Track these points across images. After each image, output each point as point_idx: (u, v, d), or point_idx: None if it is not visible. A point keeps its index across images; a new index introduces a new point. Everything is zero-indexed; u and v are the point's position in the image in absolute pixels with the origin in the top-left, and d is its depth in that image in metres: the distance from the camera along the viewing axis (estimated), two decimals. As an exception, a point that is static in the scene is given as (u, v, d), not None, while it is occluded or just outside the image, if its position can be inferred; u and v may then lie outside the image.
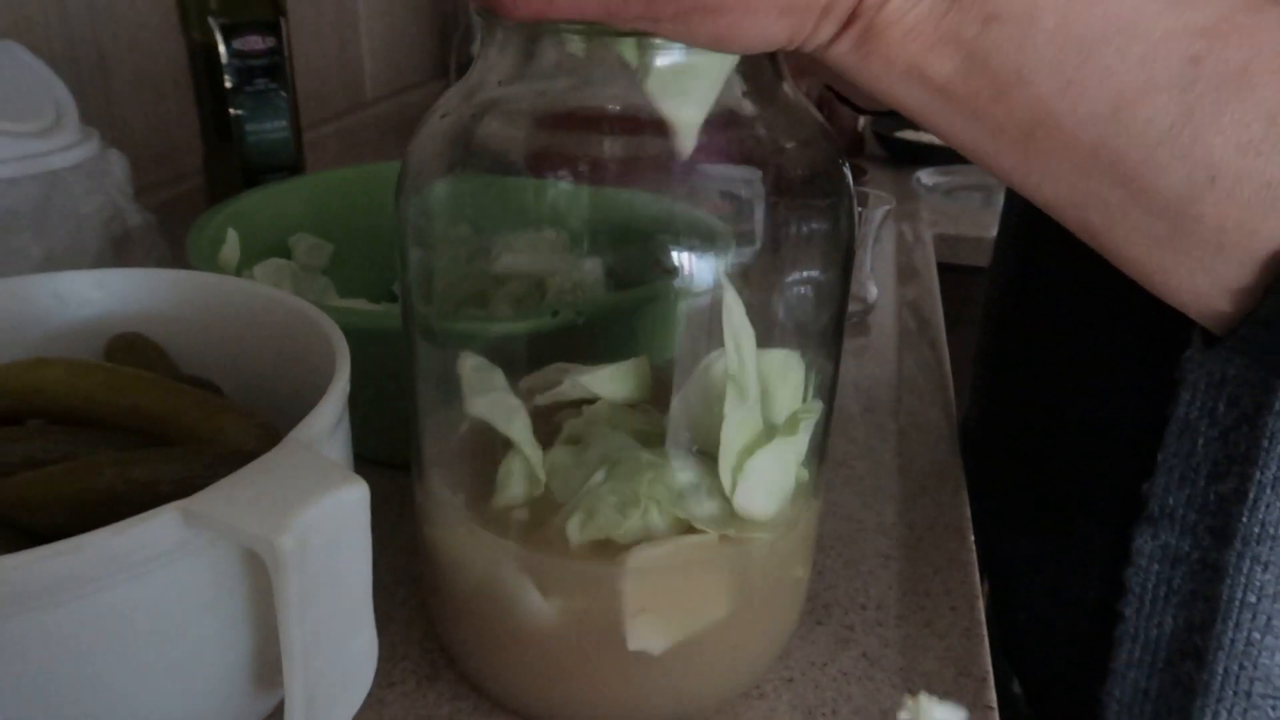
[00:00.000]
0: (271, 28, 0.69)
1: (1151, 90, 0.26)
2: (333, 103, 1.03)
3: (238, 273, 0.52)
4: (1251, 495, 0.38)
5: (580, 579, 0.30)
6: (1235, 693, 0.41)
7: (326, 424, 0.28)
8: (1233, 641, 0.40)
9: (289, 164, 0.74)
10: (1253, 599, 0.39)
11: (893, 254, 0.82)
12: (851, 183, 0.33)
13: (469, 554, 0.32)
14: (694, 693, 0.33)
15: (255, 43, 0.69)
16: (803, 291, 0.32)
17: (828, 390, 0.34)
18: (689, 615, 0.32)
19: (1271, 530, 0.38)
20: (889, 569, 0.43)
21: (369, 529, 0.25)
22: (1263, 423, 0.37)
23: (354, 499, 0.24)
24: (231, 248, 0.51)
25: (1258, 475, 0.37)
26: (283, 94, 0.71)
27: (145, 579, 0.24)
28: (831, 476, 0.50)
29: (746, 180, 0.31)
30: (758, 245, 0.30)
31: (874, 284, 0.69)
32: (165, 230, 0.58)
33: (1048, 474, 0.48)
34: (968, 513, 0.47)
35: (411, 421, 0.34)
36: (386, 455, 0.46)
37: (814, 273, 0.32)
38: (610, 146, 0.30)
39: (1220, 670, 0.40)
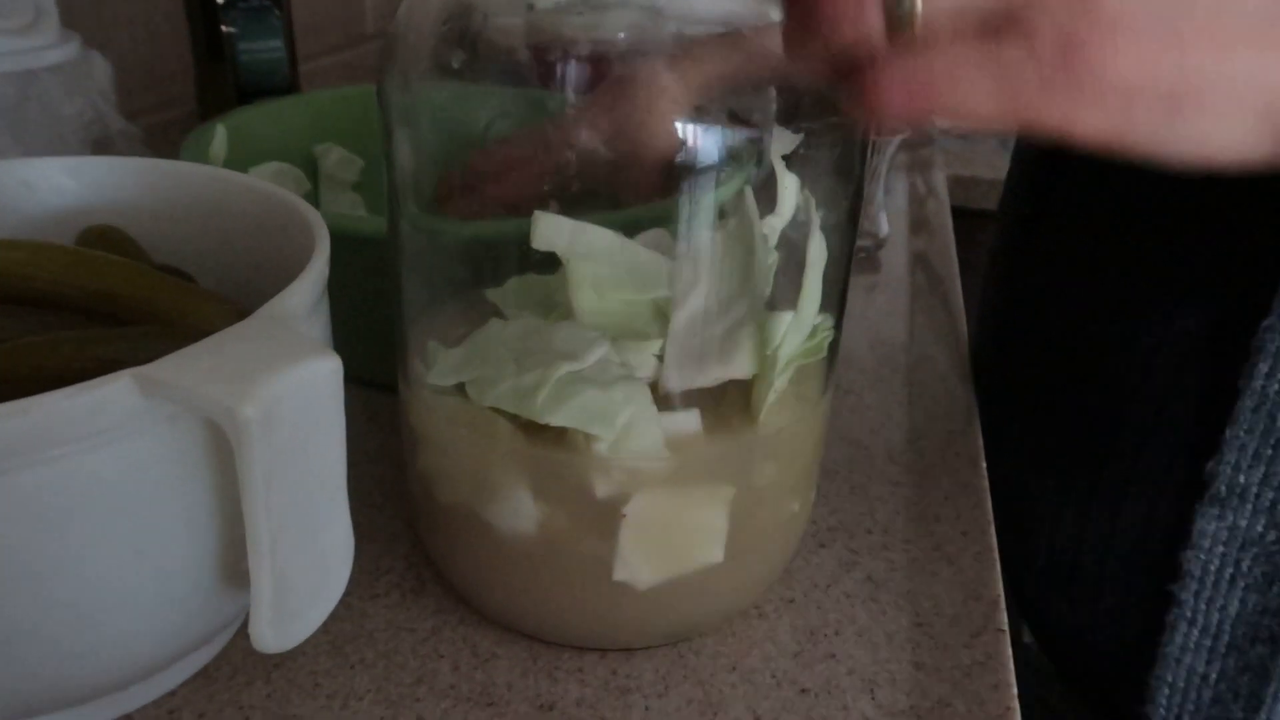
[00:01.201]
0: (265, -59, 0.67)
1: None
2: (331, 35, 1.01)
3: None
4: None
5: (565, 480, 0.28)
6: None
7: (300, 302, 0.26)
8: None
9: (284, 87, 0.71)
10: None
11: (906, 194, 0.79)
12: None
13: (456, 444, 0.30)
14: (687, 616, 0.32)
15: (248, -44, 0.66)
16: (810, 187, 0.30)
17: (837, 303, 0.32)
18: (681, 558, 0.30)
19: None
20: (897, 495, 0.41)
21: (342, 406, 0.24)
22: None
23: (326, 370, 0.23)
24: (220, 144, 0.49)
25: None
26: (277, 13, 0.69)
27: (100, 451, 0.22)
28: (838, 404, 0.48)
29: (757, 97, 0.29)
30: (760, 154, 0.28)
31: (885, 217, 0.67)
32: (157, 152, 0.56)
33: (1087, 448, 0.45)
34: (980, 441, 0.45)
35: (395, 315, 0.32)
36: (376, 375, 0.44)
37: (825, 179, 0.30)
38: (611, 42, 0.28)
39: None
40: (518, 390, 0.27)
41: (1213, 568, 0.39)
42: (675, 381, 0.28)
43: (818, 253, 0.28)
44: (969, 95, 0.21)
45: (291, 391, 0.22)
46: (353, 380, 0.31)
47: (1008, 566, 0.51)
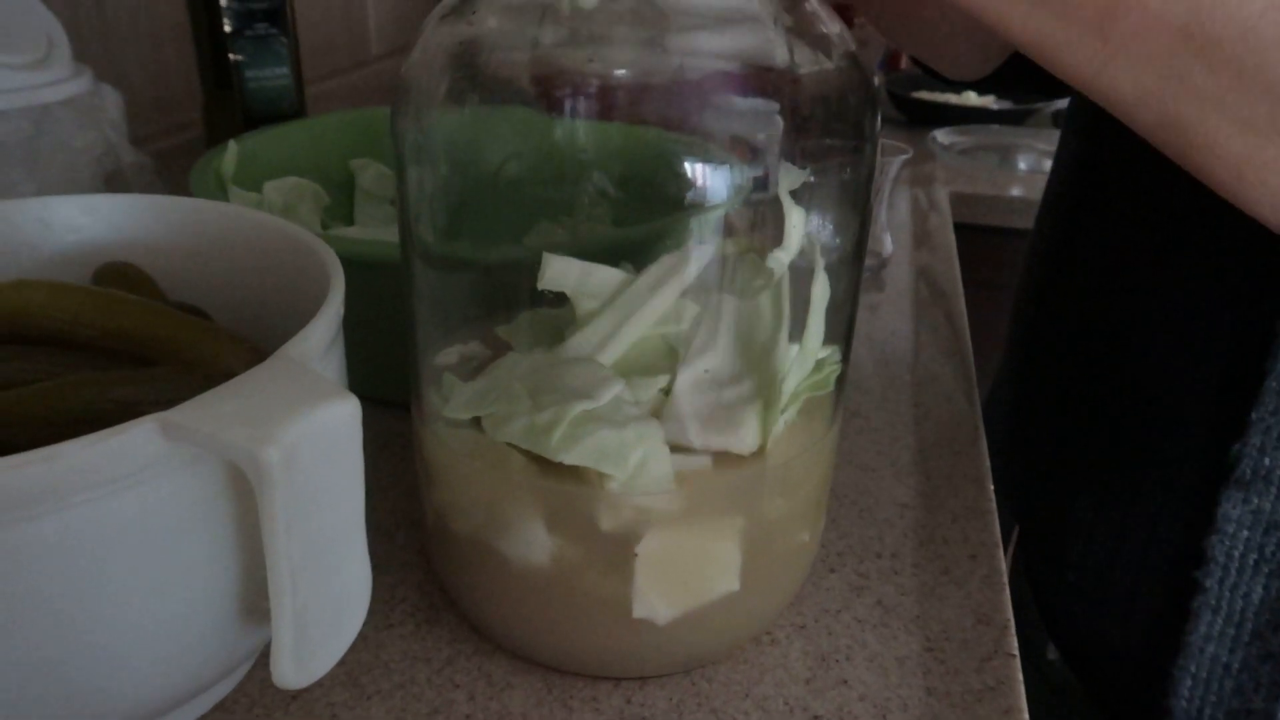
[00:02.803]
0: (272, -30, 0.68)
1: None
2: (337, 58, 1.01)
3: (239, 185, 0.51)
4: None
5: (578, 516, 0.28)
6: None
7: (319, 342, 0.26)
8: None
9: (291, 113, 0.72)
10: None
11: (909, 209, 0.80)
12: (879, 116, 0.32)
13: (470, 477, 0.30)
14: (702, 646, 0.32)
15: (255, -15, 0.67)
16: (820, 227, 0.31)
17: (844, 334, 0.32)
18: (698, 590, 0.30)
19: None
20: (905, 518, 0.41)
21: (360, 447, 0.24)
22: None
23: (345, 414, 0.23)
24: (230, 159, 0.49)
25: None
26: (284, 40, 0.70)
27: (123, 495, 0.22)
28: (845, 426, 0.48)
29: (763, 114, 0.29)
30: (762, 172, 0.29)
31: (889, 237, 0.67)
32: (165, 178, 0.56)
33: (1108, 434, 0.45)
34: (986, 462, 0.45)
35: (409, 348, 0.32)
36: (389, 395, 0.45)
37: (832, 212, 0.31)
38: (619, 70, 0.29)
39: None
40: (533, 428, 0.28)
41: (1236, 553, 0.39)
42: (677, 435, 0.29)
43: (821, 292, 0.28)
44: None
45: (312, 434, 0.22)
46: (363, 399, 0.31)
47: (1036, 584, 0.51)
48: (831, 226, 0.31)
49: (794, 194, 0.30)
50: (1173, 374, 0.41)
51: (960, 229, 0.82)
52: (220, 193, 0.50)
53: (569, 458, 0.27)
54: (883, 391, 0.52)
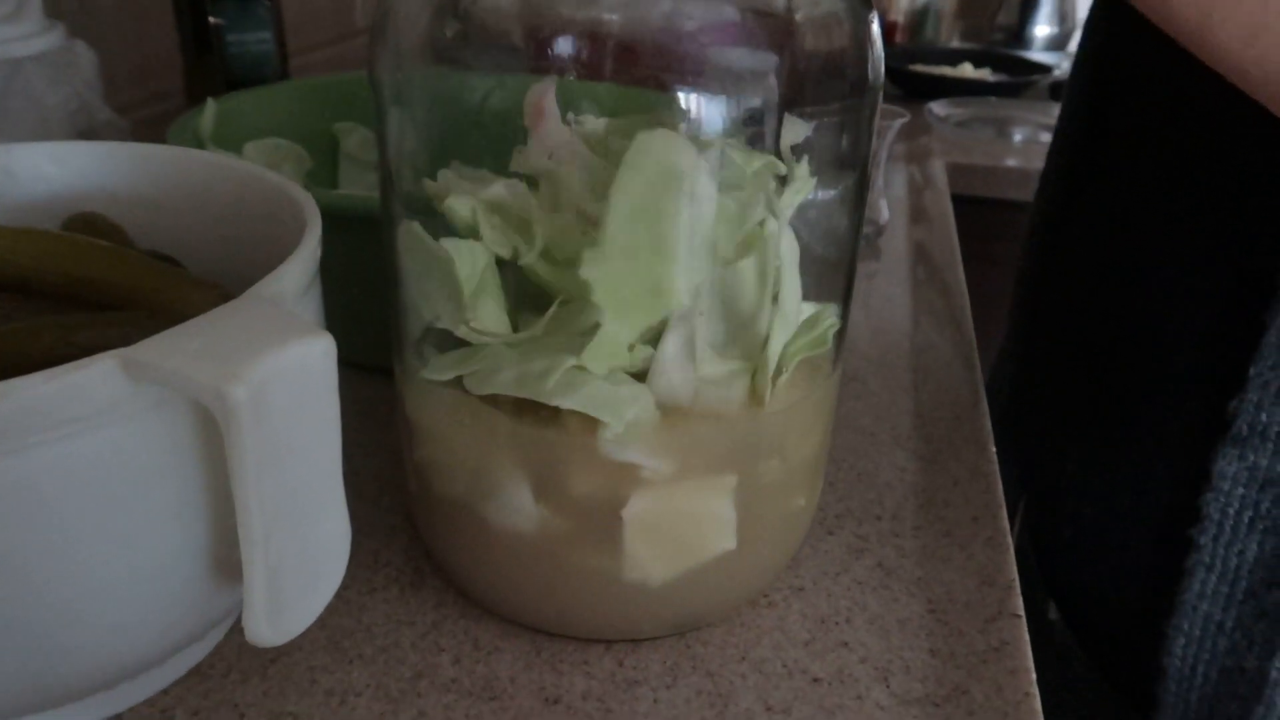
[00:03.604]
0: (253, -70, 0.66)
1: None
2: (321, 30, 0.99)
3: (219, 145, 0.49)
4: None
5: (565, 474, 0.27)
6: None
7: (292, 283, 0.25)
8: None
9: (274, 79, 0.70)
10: None
11: (905, 181, 0.79)
12: (881, 59, 0.30)
13: (454, 436, 0.29)
14: (697, 607, 0.31)
15: (236, -54, 0.65)
16: (818, 193, 0.30)
17: (843, 286, 0.31)
18: (693, 550, 0.29)
19: None
20: (904, 481, 0.40)
21: (336, 389, 0.23)
22: None
23: (319, 351, 0.22)
24: (209, 118, 0.48)
25: None
26: (266, 3, 0.68)
27: (83, 437, 0.21)
28: (843, 392, 0.47)
29: (760, 61, 0.28)
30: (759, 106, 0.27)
31: (885, 204, 0.66)
32: (141, 140, 0.55)
33: (1107, 394, 0.45)
34: (988, 425, 0.44)
35: (391, 304, 0.31)
36: (370, 360, 0.43)
37: (830, 164, 0.30)
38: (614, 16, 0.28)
39: None
40: (524, 375, 0.27)
41: (1231, 510, 0.39)
42: (666, 395, 0.27)
43: (790, 250, 0.27)
44: None
45: (283, 372, 0.21)
46: (345, 365, 0.30)
47: (1036, 543, 0.51)
48: (829, 183, 0.30)
49: (794, 147, 0.29)
50: (1170, 331, 0.41)
51: (956, 200, 0.81)
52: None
53: (565, 402, 0.26)
54: (880, 357, 0.51)
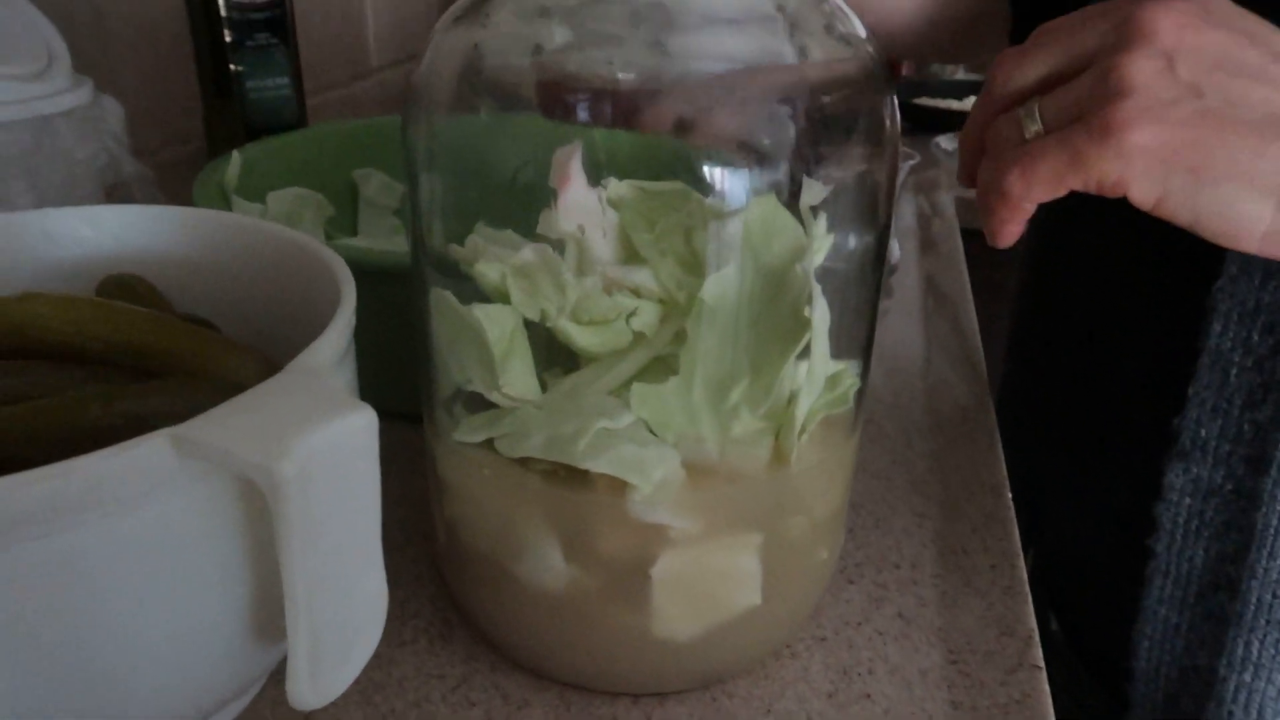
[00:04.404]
0: (273, -20, 0.67)
1: None
2: (336, 70, 1.01)
3: (244, 197, 0.50)
4: None
5: (594, 535, 0.28)
6: (1268, 621, 0.42)
7: (330, 354, 0.26)
8: (1266, 570, 0.41)
9: (292, 123, 0.72)
10: None
11: (914, 215, 0.79)
12: (898, 116, 0.31)
13: (484, 496, 0.30)
14: (722, 661, 0.31)
15: (256, -5, 0.67)
16: (835, 233, 0.30)
17: (863, 344, 0.32)
18: (719, 606, 0.30)
19: None
20: (923, 527, 0.41)
21: (377, 460, 0.23)
22: None
23: (361, 425, 0.22)
24: (233, 170, 0.49)
25: None
26: (284, 49, 0.69)
27: (135, 511, 0.22)
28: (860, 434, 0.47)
29: (773, 111, 0.29)
30: (782, 177, 0.28)
31: (897, 243, 0.67)
32: (166, 189, 0.56)
33: (1078, 413, 0.50)
34: (1003, 469, 0.45)
35: (422, 363, 0.32)
36: (398, 407, 0.44)
37: (850, 212, 0.30)
38: (624, 75, 0.29)
39: (1254, 600, 0.41)
40: (554, 439, 0.27)
41: (1180, 519, 0.43)
42: (693, 454, 0.28)
43: (822, 319, 0.28)
44: (1055, 168, 0.29)
45: (327, 447, 0.22)
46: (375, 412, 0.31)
47: (1036, 556, 0.55)
48: (850, 234, 0.31)
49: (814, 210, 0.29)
50: (1131, 360, 0.46)
51: (966, 234, 0.82)
52: (223, 204, 0.49)
53: (595, 465, 0.27)
54: (894, 399, 0.51)
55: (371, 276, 0.39)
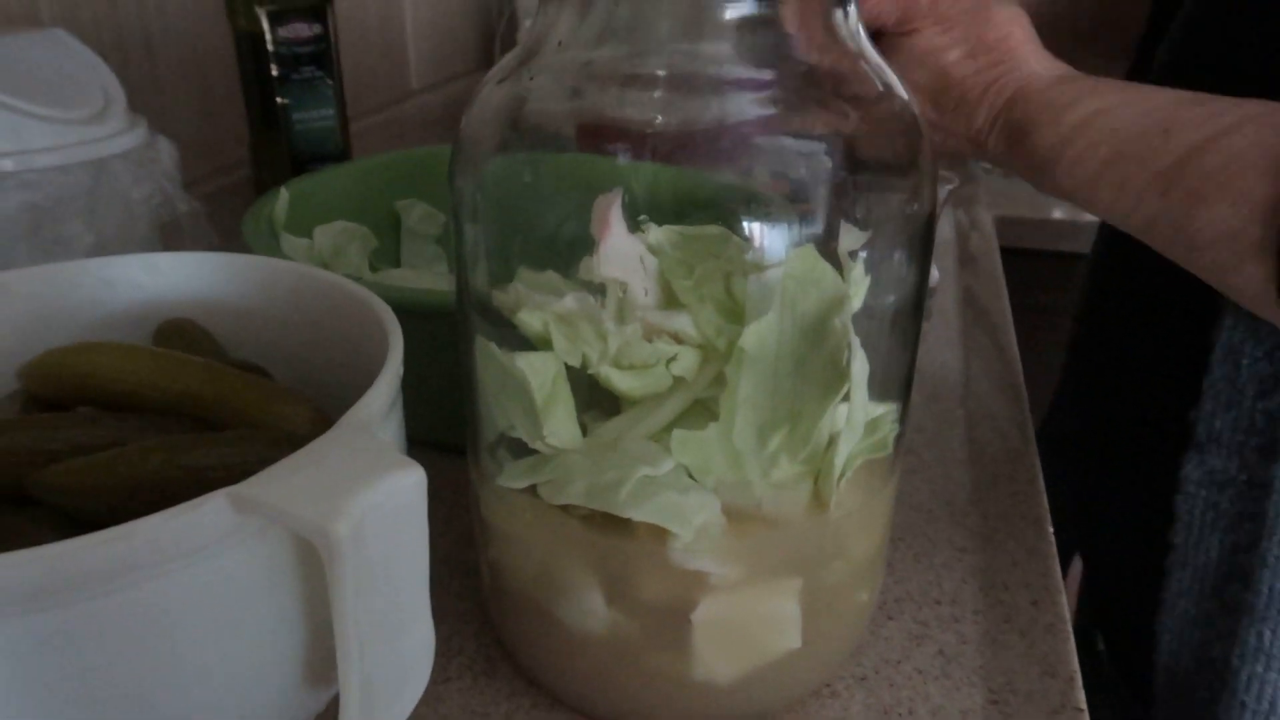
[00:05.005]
0: (318, 14, 0.69)
1: None
2: (377, 94, 1.03)
3: (290, 231, 0.52)
4: None
5: (635, 581, 0.28)
6: None
7: (380, 407, 0.27)
8: (1278, 558, 0.42)
9: (336, 153, 0.73)
10: None
11: (953, 235, 0.79)
12: (932, 151, 0.31)
13: (527, 540, 0.30)
14: (762, 702, 0.32)
15: (301, 30, 0.68)
16: (874, 278, 0.31)
17: (902, 386, 0.32)
18: (759, 649, 0.30)
19: None
20: (963, 562, 0.41)
21: (426, 515, 0.24)
22: None
23: (411, 483, 0.23)
24: (281, 207, 0.50)
25: None
26: (329, 82, 0.71)
27: (195, 567, 0.22)
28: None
29: (810, 156, 0.29)
30: (820, 228, 0.29)
31: (936, 267, 0.66)
32: (214, 220, 0.57)
33: (1112, 417, 0.53)
34: (1044, 500, 0.44)
35: (468, 404, 0.32)
36: (443, 438, 0.45)
37: (888, 256, 0.31)
38: (662, 118, 0.29)
39: (1265, 589, 0.42)
40: (596, 487, 0.28)
41: (1197, 511, 0.44)
42: (733, 499, 0.29)
43: (860, 370, 0.28)
44: None
45: (379, 506, 0.22)
46: (414, 443, 0.32)
47: (1088, 576, 0.57)
48: (889, 277, 0.31)
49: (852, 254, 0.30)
50: (1144, 354, 0.49)
51: (1006, 253, 0.81)
52: (272, 239, 0.50)
53: (637, 514, 0.27)
54: (935, 428, 0.51)
55: (417, 315, 0.40)
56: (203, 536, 0.22)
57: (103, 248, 0.48)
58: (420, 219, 0.62)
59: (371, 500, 0.22)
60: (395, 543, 0.23)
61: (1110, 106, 0.35)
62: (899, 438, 0.31)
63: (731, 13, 0.27)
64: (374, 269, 0.58)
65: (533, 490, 0.30)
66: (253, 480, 0.22)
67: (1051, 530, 0.43)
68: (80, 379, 0.31)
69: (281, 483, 0.22)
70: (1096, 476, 0.55)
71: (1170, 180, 0.33)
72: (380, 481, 0.22)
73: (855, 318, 0.30)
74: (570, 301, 0.30)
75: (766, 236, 0.27)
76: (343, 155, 0.74)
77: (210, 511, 0.22)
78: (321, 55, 0.70)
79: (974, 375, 0.58)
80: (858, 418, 0.29)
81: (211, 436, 0.28)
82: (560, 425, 0.30)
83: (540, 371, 0.29)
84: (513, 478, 0.30)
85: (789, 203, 0.29)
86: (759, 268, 0.27)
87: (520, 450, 0.30)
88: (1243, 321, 0.41)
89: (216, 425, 0.30)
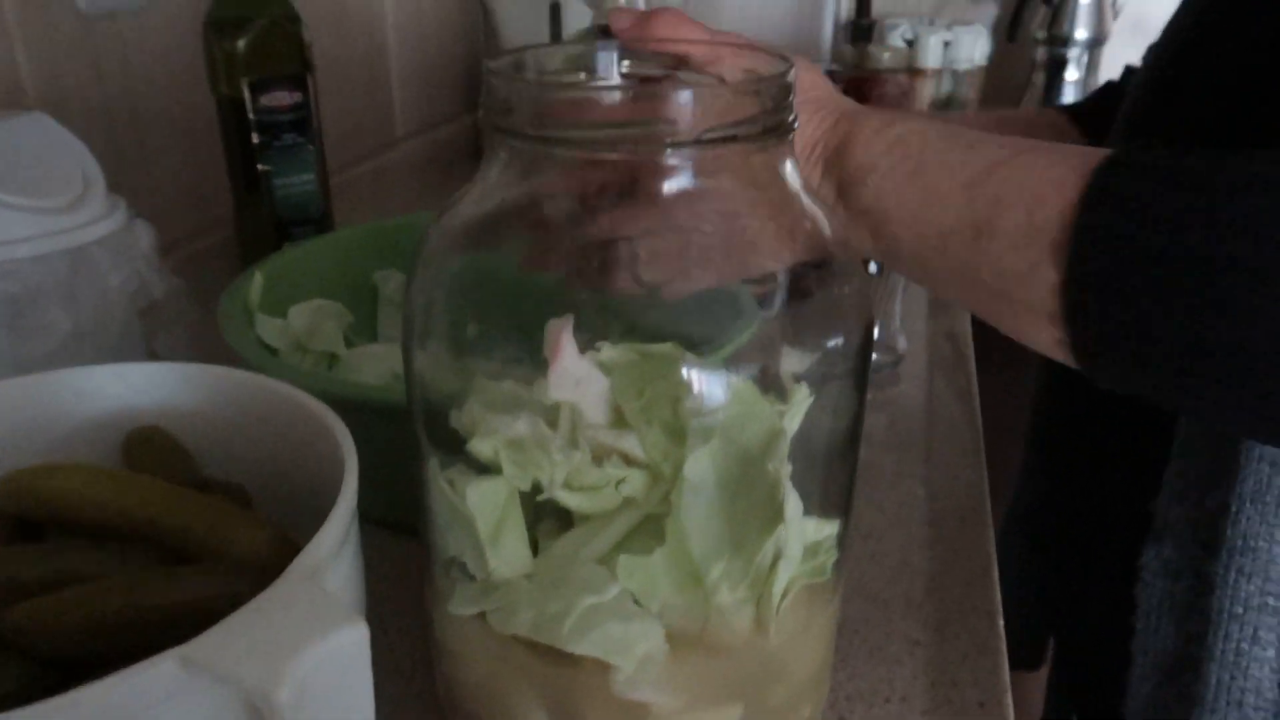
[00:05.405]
0: (298, 82, 0.70)
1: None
2: (363, 143, 1.04)
3: (268, 309, 0.53)
4: (1234, 508, 0.41)
5: (581, 709, 0.29)
6: (1228, 703, 0.43)
7: (331, 547, 0.28)
8: (1223, 652, 0.43)
9: (317, 216, 0.74)
10: (1239, 610, 0.42)
11: (925, 303, 0.80)
12: (866, 288, 0.33)
13: (477, 663, 0.31)
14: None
15: (282, 98, 0.69)
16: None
17: (842, 511, 0.33)
18: None
19: (1253, 542, 0.41)
20: (915, 656, 0.42)
21: (370, 672, 0.25)
22: (1240, 439, 0.40)
23: (353, 641, 0.24)
24: (256, 289, 0.52)
25: (1238, 488, 0.40)
26: (310, 147, 0.72)
27: (145, 724, 0.23)
28: (856, 551, 0.49)
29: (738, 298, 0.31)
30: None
31: (904, 335, 0.68)
32: (199, 280, 0.58)
33: (1081, 503, 0.55)
34: (998, 594, 0.45)
35: (420, 522, 0.33)
36: (399, 519, 0.46)
37: (828, 380, 0.32)
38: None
39: (1214, 681, 0.43)
40: (542, 618, 0.29)
41: (1154, 600, 0.45)
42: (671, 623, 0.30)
43: (795, 509, 0.29)
44: None
45: (323, 664, 0.23)
46: (375, 524, 0.32)
47: (1060, 656, 0.58)
48: (830, 404, 0.32)
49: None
50: (1115, 445, 0.51)
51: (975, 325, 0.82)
52: (247, 323, 0.51)
53: (580, 647, 0.28)
54: (896, 509, 0.52)
55: (374, 410, 0.41)
56: (151, 697, 0.23)
57: (80, 334, 0.49)
58: (397, 288, 0.63)
59: (313, 661, 0.23)
60: (339, 699, 0.24)
61: (922, 128, 0.37)
62: (838, 563, 0.32)
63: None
64: (350, 343, 0.59)
65: (482, 616, 0.31)
66: (199, 641, 0.23)
67: (1002, 623, 0.44)
68: (46, 502, 0.32)
69: (227, 644, 0.23)
70: (1064, 560, 0.56)
71: (975, 185, 0.34)
72: (324, 640, 0.23)
73: (795, 437, 0.31)
74: (522, 425, 0.31)
75: (707, 384, 0.28)
76: (324, 217, 0.75)
77: (159, 674, 0.23)
78: (302, 122, 0.71)
79: (937, 449, 0.59)
80: (793, 550, 0.30)
81: (170, 572, 0.29)
82: (509, 551, 0.31)
83: (490, 501, 0.30)
84: (462, 604, 0.31)
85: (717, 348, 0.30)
86: (699, 413, 0.28)
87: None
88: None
89: (179, 549, 0.31)
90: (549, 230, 0.30)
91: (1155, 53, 0.53)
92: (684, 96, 0.26)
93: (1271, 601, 0.42)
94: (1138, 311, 0.30)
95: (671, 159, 0.26)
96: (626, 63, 0.32)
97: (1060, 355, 0.34)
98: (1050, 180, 0.33)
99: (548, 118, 0.26)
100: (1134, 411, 0.49)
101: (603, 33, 0.49)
